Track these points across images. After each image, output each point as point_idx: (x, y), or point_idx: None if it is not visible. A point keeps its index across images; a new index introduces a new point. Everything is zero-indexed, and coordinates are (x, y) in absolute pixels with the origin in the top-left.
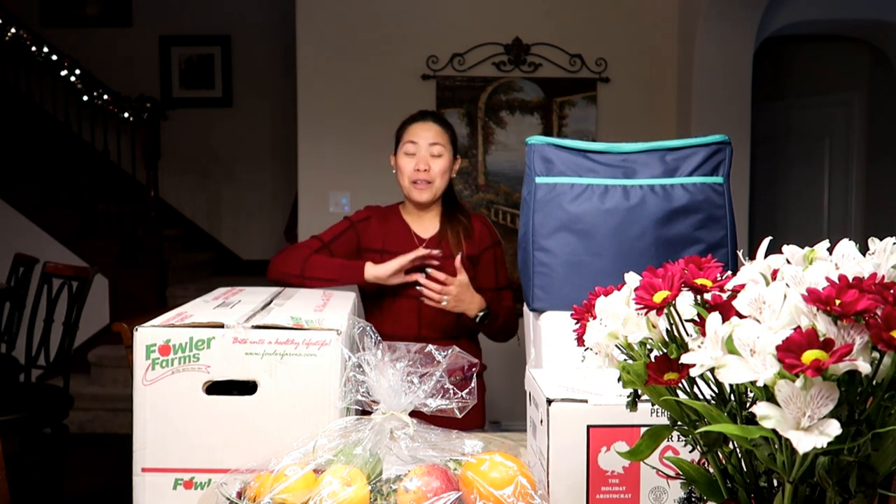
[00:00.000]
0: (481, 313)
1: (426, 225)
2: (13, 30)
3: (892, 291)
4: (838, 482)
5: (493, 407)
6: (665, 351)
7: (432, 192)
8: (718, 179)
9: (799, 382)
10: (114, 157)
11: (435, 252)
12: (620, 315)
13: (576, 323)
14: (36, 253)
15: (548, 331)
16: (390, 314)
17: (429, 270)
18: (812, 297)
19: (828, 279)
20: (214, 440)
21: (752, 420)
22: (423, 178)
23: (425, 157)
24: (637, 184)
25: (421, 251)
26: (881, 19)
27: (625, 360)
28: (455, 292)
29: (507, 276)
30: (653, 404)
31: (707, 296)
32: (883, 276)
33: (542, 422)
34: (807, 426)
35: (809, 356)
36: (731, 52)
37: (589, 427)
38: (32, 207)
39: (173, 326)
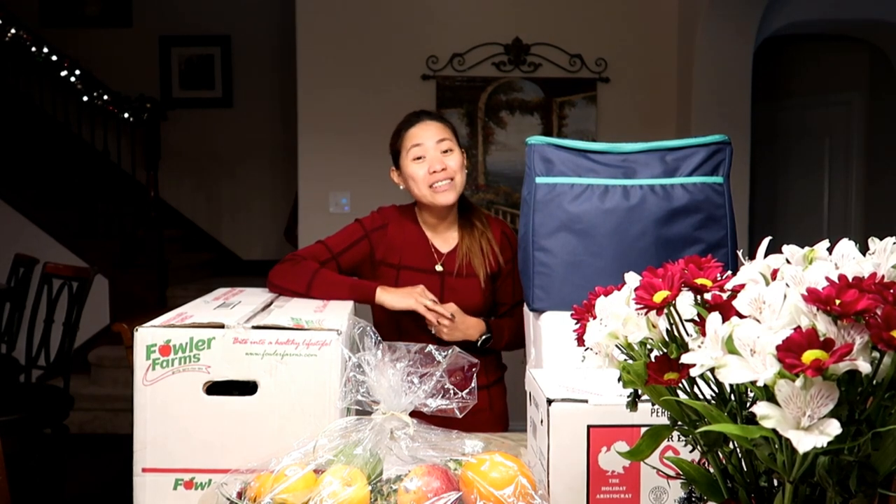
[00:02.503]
0: (483, 337)
1: (445, 235)
2: (13, 30)
3: (892, 291)
4: (838, 482)
5: None
6: (665, 351)
7: (455, 191)
8: (718, 179)
9: (799, 382)
10: (114, 157)
11: (447, 314)
12: (620, 315)
13: (576, 323)
14: (36, 253)
15: (548, 331)
16: (402, 332)
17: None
18: (812, 296)
19: (828, 279)
20: (215, 440)
21: (752, 420)
22: (442, 178)
23: (437, 157)
24: (637, 184)
25: (433, 306)
26: (881, 19)
27: (625, 360)
28: (446, 331)
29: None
30: (653, 404)
31: (707, 296)
32: (883, 276)
33: (542, 422)
34: (807, 426)
35: (809, 356)
36: (731, 52)
37: (589, 427)
38: (32, 207)
39: (174, 327)
